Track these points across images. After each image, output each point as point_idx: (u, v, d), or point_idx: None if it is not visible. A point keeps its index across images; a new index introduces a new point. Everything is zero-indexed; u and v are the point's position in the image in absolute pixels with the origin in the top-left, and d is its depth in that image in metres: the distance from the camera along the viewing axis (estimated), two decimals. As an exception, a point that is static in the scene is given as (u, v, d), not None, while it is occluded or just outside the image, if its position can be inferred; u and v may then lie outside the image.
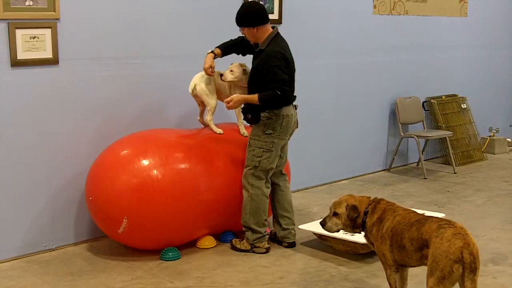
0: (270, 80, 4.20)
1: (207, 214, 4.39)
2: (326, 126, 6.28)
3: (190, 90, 4.53)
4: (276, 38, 4.34)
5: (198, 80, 4.53)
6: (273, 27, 4.40)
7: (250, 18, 4.28)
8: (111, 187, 4.11)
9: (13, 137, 4.23)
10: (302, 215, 5.24)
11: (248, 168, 4.39)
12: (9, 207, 4.27)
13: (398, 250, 3.24)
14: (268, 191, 4.46)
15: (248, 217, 4.41)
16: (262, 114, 4.30)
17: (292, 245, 4.57)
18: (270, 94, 4.21)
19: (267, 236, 4.51)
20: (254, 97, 4.25)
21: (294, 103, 4.46)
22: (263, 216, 4.43)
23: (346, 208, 3.44)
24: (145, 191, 4.09)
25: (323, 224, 3.55)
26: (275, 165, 4.45)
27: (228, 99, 4.33)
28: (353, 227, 3.48)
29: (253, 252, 4.43)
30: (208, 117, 4.58)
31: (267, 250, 4.46)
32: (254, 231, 4.42)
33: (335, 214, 3.49)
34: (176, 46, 4.95)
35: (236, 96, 4.33)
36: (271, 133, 4.33)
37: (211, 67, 4.41)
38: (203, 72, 4.49)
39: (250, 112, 4.34)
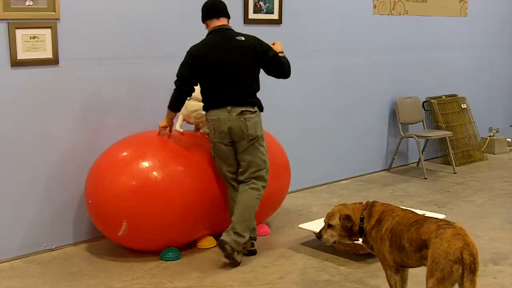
0: None
1: (206, 215, 4.38)
2: (326, 126, 6.28)
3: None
4: (208, 35, 4.25)
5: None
6: (224, 26, 4.23)
7: (201, 14, 4.31)
8: (110, 189, 4.11)
9: (12, 137, 4.23)
10: (302, 215, 5.24)
11: None
12: (9, 207, 4.27)
13: (397, 251, 3.23)
14: (233, 194, 4.28)
15: None
16: None
17: (252, 252, 4.33)
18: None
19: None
20: None
21: (244, 108, 4.14)
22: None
23: (339, 219, 3.42)
24: (145, 193, 4.08)
25: (319, 237, 3.51)
26: (228, 171, 4.26)
27: None
28: (350, 236, 3.46)
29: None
30: (202, 130, 4.59)
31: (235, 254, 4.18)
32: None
33: (329, 226, 3.46)
34: (176, 46, 4.93)
35: None
36: (208, 135, 4.29)
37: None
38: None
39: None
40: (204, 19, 4.28)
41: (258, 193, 4.22)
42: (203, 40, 4.25)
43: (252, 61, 4.21)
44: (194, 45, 4.23)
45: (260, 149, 4.24)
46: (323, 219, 3.53)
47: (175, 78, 4.20)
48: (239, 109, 4.12)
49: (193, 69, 4.16)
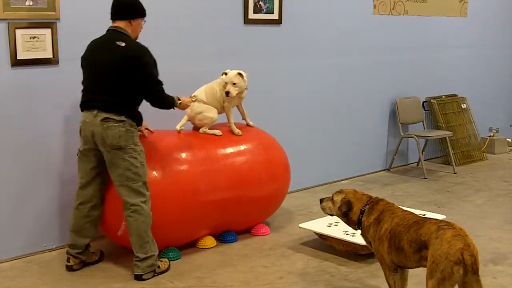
0: None
1: (207, 215, 4.38)
2: (326, 126, 6.27)
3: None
4: None
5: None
6: (114, 27, 3.99)
7: None
8: (110, 189, 4.10)
9: (12, 137, 4.23)
10: (302, 215, 5.24)
11: None
12: (9, 207, 4.27)
13: (396, 252, 3.23)
14: (76, 212, 4.06)
15: None
16: None
17: (137, 277, 3.96)
18: None
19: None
20: None
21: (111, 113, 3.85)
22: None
23: (341, 200, 3.53)
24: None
25: (320, 201, 3.71)
26: (81, 178, 4.02)
27: None
28: (348, 222, 3.55)
29: None
30: (202, 130, 4.61)
31: None
32: None
33: (332, 199, 3.61)
34: (176, 46, 4.94)
35: None
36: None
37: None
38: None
39: None
40: None
41: (143, 215, 3.91)
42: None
43: (122, 70, 3.85)
44: None
45: (131, 161, 3.88)
46: (333, 192, 3.68)
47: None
48: (104, 115, 3.85)
49: (82, 69, 4.05)
